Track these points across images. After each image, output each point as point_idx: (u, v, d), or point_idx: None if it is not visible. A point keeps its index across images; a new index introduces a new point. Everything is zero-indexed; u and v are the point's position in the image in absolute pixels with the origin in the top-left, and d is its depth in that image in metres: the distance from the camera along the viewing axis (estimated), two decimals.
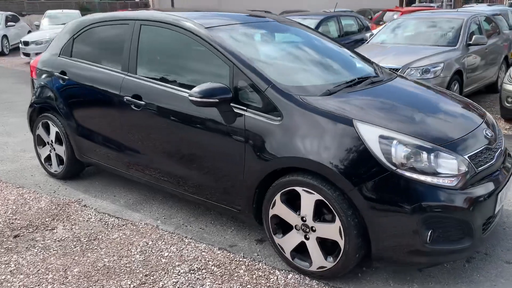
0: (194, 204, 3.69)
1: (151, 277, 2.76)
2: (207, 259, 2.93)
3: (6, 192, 4.04)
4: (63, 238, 3.25)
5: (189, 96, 2.81)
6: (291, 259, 2.76)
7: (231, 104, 2.82)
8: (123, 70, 3.48)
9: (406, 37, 7.71)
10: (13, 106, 7.65)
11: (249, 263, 2.88)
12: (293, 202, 2.70)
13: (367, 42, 8.08)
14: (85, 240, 3.21)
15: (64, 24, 14.77)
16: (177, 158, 3.18)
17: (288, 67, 3.22)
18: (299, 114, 2.62)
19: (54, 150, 4.21)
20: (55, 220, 3.51)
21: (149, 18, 3.42)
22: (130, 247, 3.09)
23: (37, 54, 12.42)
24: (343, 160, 2.44)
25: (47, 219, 3.52)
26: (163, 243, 3.14)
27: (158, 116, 3.21)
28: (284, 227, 2.79)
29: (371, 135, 2.44)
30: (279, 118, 2.67)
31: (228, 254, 2.99)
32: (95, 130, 3.74)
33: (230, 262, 2.89)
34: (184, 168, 3.16)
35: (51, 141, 4.20)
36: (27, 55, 12.68)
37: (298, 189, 2.59)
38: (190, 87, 3.06)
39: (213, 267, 2.84)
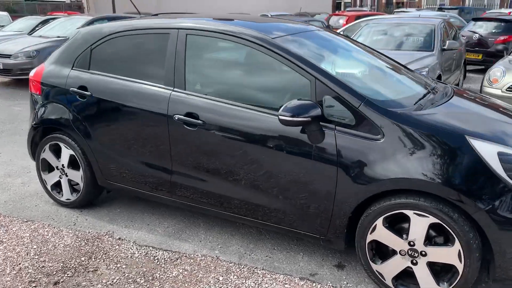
0: (244, 227, 3.40)
1: None
2: None
3: (15, 228, 3.46)
4: (114, 280, 2.82)
5: (279, 115, 2.54)
6: (392, 286, 2.59)
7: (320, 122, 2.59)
8: (167, 85, 3.11)
9: (381, 42, 7.84)
10: None
11: None
12: (394, 225, 2.54)
13: None
14: (142, 281, 2.80)
15: None
16: (244, 182, 2.89)
17: (364, 80, 3.05)
18: (403, 130, 2.46)
19: (66, 175, 3.69)
20: (93, 259, 3.04)
21: (197, 28, 3.08)
22: (201, 285, 2.75)
23: None
24: (461, 179, 2.32)
25: (82, 259, 3.05)
26: (235, 277, 2.83)
27: (221, 136, 2.89)
28: (382, 253, 2.62)
29: (488, 151, 2.34)
30: (378, 136, 2.49)
31: (314, 284, 2.75)
32: (128, 152, 3.31)
33: None
34: (253, 193, 2.88)
35: (62, 165, 3.68)
36: None
37: (408, 212, 2.43)
38: (261, 104, 2.81)
39: None
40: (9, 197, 4.02)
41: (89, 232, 3.39)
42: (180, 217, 3.61)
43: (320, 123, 2.59)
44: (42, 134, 3.78)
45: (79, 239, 3.30)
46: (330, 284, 2.75)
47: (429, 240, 2.45)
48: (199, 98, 2.97)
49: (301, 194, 2.72)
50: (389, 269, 2.58)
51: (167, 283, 2.78)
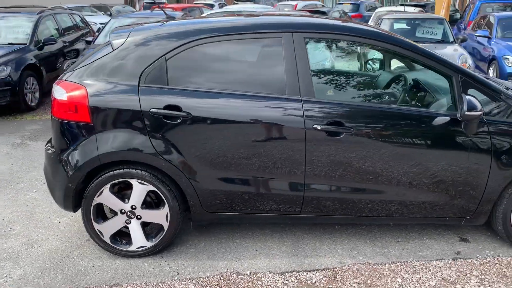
0: (344, 228, 3.39)
1: None
2: (467, 270, 2.91)
3: None
4: None
5: (467, 112, 2.69)
6: None
7: None
8: (291, 95, 2.84)
9: None
10: None
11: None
12: None
13: None
14: None
15: None
16: (397, 182, 2.92)
17: None
18: None
19: (138, 218, 2.97)
20: None
21: (318, 29, 2.89)
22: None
23: None
24: None
25: None
26: (407, 274, 2.87)
27: (372, 140, 2.83)
28: None
29: None
30: None
31: (471, 260, 3.01)
32: (244, 174, 2.89)
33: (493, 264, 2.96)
34: (406, 191, 2.95)
35: (132, 207, 2.94)
36: None
37: None
38: (410, 103, 2.90)
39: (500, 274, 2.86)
40: (39, 265, 2.97)
41: (206, 279, 2.85)
42: (276, 233, 3.34)
43: None
44: (87, 175, 2.92)
45: None
46: (487, 253, 3.08)
47: None
48: (339, 104, 2.84)
49: (457, 185, 2.94)
50: None
51: None
